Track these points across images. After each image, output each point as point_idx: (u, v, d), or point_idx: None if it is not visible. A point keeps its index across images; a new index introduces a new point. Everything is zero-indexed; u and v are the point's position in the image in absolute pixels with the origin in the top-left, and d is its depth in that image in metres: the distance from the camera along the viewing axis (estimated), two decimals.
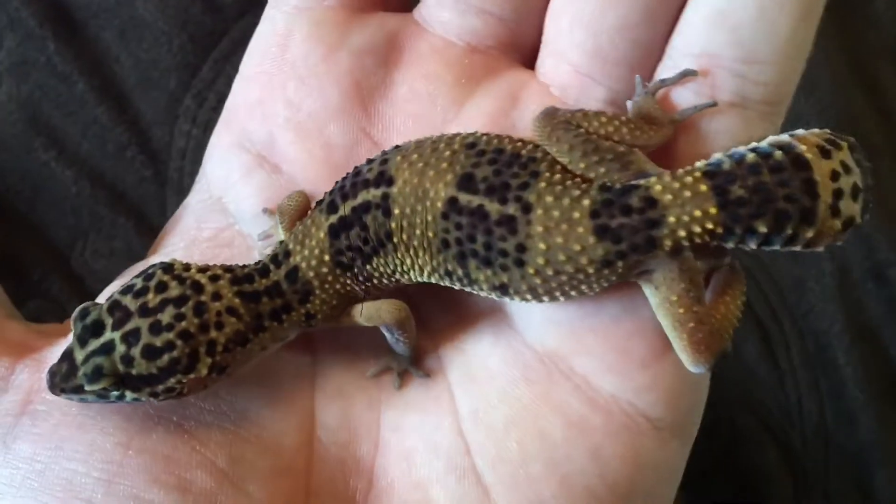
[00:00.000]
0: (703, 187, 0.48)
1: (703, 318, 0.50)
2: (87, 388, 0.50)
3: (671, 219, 0.48)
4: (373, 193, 0.53)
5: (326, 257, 0.54)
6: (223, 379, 0.53)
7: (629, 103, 0.55)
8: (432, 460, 0.54)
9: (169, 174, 0.82)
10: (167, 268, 0.53)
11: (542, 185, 0.50)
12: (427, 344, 0.58)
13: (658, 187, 0.49)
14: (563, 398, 0.53)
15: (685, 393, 0.54)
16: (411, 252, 0.53)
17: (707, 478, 0.87)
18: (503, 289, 0.52)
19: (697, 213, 0.48)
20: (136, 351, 0.50)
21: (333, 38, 0.60)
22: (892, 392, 0.87)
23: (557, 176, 0.51)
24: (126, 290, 0.52)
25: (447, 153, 0.52)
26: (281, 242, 0.57)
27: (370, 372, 0.58)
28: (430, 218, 0.52)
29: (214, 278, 0.53)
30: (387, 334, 0.56)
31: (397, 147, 0.55)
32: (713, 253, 0.52)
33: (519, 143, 0.53)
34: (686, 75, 0.53)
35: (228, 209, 0.62)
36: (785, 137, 0.50)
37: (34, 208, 0.80)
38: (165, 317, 0.51)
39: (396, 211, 0.52)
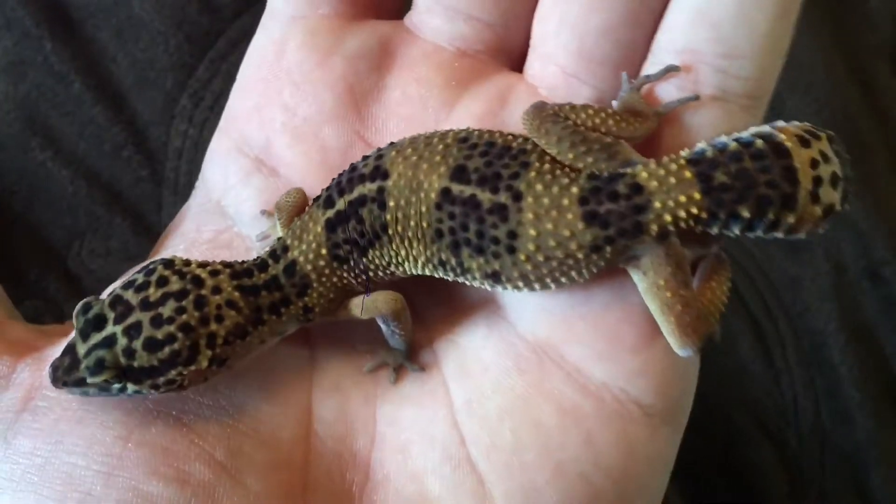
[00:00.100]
0: (688, 174, 0.50)
1: (690, 301, 0.51)
2: (89, 380, 0.51)
3: (657, 204, 0.50)
4: (368, 187, 0.54)
5: (323, 251, 0.55)
6: (222, 372, 0.53)
7: (614, 103, 0.56)
8: (427, 452, 0.54)
9: (165, 174, 0.82)
10: (168, 263, 0.54)
11: (532, 174, 0.52)
12: (421, 338, 0.59)
13: (644, 174, 0.51)
14: (556, 387, 0.54)
15: (675, 380, 0.55)
16: (406, 243, 0.54)
17: (703, 477, 0.87)
18: (495, 277, 0.53)
19: (682, 198, 0.50)
20: (137, 343, 0.51)
21: (327, 45, 0.62)
22: (887, 391, 0.88)
23: (547, 166, 0.52)
24: (127, 285, 0.53)
25: (440, 147, 0.54)
26: (279, 238, 0.58)
27: (366, 367, 0.58)
28: (423, 209, 0.53)
29: (214, 273, 0.54)
30: (383, 326, 0.57)
31: (392, 143, 0.56)
32: (699, 240, 0.54)
33: (509, 137, 0.55)
34: (669, 71, 0.54)
35: (227, 212, 0.63)
36: (766, 128, 0.51)
37: (31, 208, 0.80)
38: (166, 310, 0.51)
39: (391, 203, 0.54)
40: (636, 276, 0.53)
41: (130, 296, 0.52)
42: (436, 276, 0.56)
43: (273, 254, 0.56)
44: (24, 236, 0.79)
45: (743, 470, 0.87)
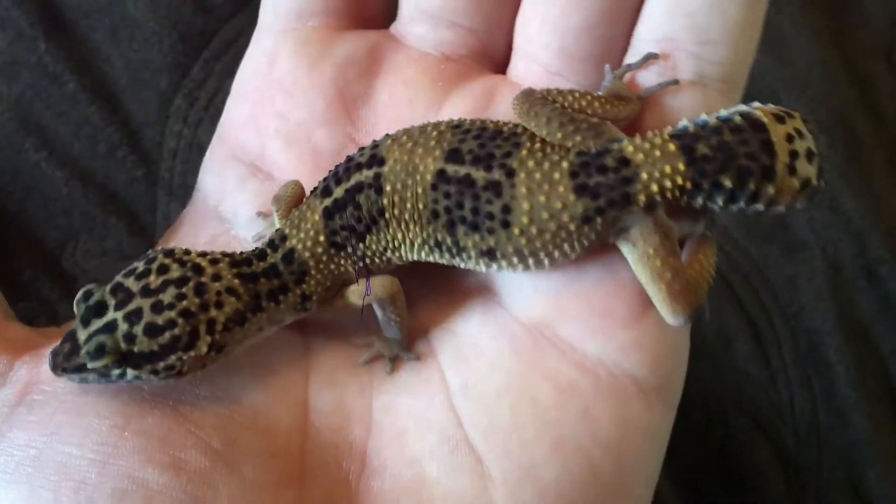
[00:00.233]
0: (672, 147, 0.53)
1: (679, 270, 0.54)
2: (89, 365, 0.51)
3: (644, 175, 0.52)
4: (365, 174, 0.56)
5: (321, 238, 0.57)
6: (220, 359, 0.54)
7: (598, 93, 0.59)
8: (424, 436, 0.55)
9: (160, 174, 0.82)
10: (168, 252, 0.55)
11: (524, 152, 0.54)
12: (417, 328, 0.60)
13: (630, 148, 0.53)
14: (552, 364, 0.55)
15: (667, 355, 0.56)
16: (402, 226, 0.56)
17: (700, 477, 0.87)
18: (490, 254, 0.54)
19: (668, 169, 0.52)
20: (138, 329, 0.51)
21: (317, 53, 0.64)
22: (884, 390, 0.88)
23: (538, 145, 0.55)
24: (128, 272, 0.54)
25: (434, 133, 0.56)
26: (276, 229, 0.59)
27: (362, 359, 0.59)
28: (420, 190, 0.55)
29: (214, 262, 0.55)
30: (379, 313, 0.58)
31: (387, 135, 0.58)
32: (685, 215, 0.56)
33: (500, 123, 0.57)
34: (649, 58, 0.57)
35: (224, 216, 0.64)
36: (742, 107, 0.54)
37: (25, 209, 0.80)
38: (167, 297, 0.52)
39: (388, 188, 0.55)
40: (626, 249, 0.54)
41: (131, 283, 0.53)
42: (431, 259, 0.58)
43: (271, 243, 0.58)
44: (19, 237, 0.79)
45: (740, 469, 0.87)
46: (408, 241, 0.57)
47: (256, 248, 0.58)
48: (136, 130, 0.82)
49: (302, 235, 0.57)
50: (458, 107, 0.61)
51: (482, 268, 0.56)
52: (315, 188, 0.59)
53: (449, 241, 0.55)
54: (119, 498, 0.49)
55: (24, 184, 0.80)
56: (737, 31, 0.56)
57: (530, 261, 0.54)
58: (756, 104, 0.55)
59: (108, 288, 0.54)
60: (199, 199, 0.67)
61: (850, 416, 0.85)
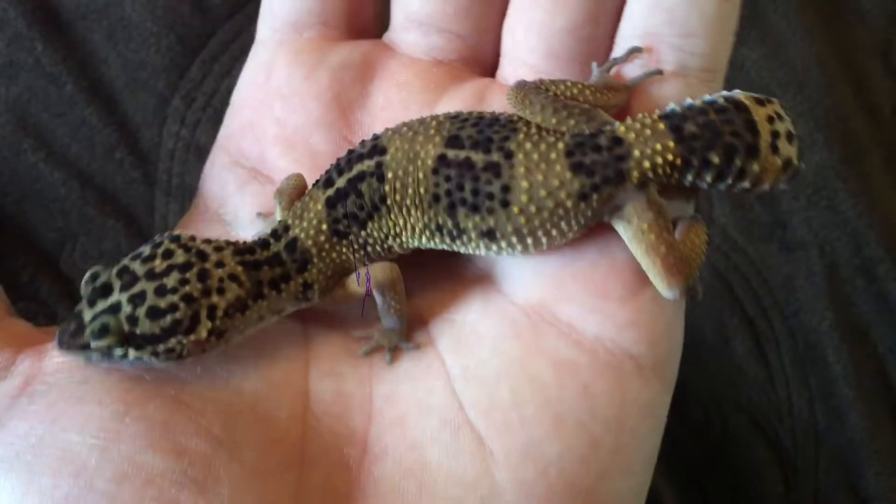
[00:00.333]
0: (661, 126, 0.55)
1: (673, 244, 0.56)
2: (93, 345, 0.52)
3: (636, 153, 0.55)
4: (367, 164, 0.58)
5: (324, 226, 0.58)
6: (220, 345, 0.55)
7: None
8: (425, 421, 0.55)
9: (158, 175, 0.82)
10: (174, 238, 0.56)
11: (521, 136, 0.56)
12: (416, 319, 0.60)
13: (622, 129, 0.56)
14: (551, 344, 0.56)
15: (663, 332, 0.57)
16: (404, 211, 0.57)
17: (698, 477, 0.87)
18: (490, 235, 0.56)
19: (658, 146, 0.55)
20: (141, 311, 0.52)
21: (313, 61, 0.66)
22: (881, 389, 0.88)
23: (534, 129, 0.57)
24: (135, 256, 0.55)
25: (434, 123, 0.58)
26: (279, 221, 0.60)
27: (362, 350, 0.59)
28: (421, 175, 0.56)
29: (218, 248, 0.56)
30: (379, 300, 0.58)
31: (387, 128, 0.59)
32: (676, 197, 0.58)
33: (496, 112, 0.59)
34: (633, 52, 0.60)
35: (225, 219, 0.65)
36: (725, 92, 0.58)
37: (23, 210, 0.80)
38: (170, 281, 0.53)
39: (389, 175, 0.57)
40: (621, 227, 0.56)
41: (137, 266, 0.54)
42: (432, 245, 0.59)
43: (274, 233, 0.59)
44: (17, 238, 0.79)
45: (738, 468, 0.87)
46: (409, 227, 0.58)
47: (260, 237, 0.59)
48: (133, 131, 0.82)
49: (305, 224, 0.58)
50: (451, 108, 0.62)
51: (482, 250, 0.57)
52: (317, 180, 0.60)
53: (450, 223, 0.56)
54: (119, 481, 0.49)
55: (21, 185, 0.80)
56: (714, 23, 0.59)
57: (529, 240, 0.56)
58: (738, 91, 0.57)
59: (114, 270, 0.55)
60: (199, 204, 0.67)
61: (848, 415, 0.85)
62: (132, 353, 0.53)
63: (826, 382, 0.87)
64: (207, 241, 0.57)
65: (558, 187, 0.54)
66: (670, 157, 0.55)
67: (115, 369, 0.54)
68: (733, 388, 0.87)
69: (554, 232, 0.56)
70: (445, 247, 0.59)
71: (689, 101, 0.57)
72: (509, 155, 0.55)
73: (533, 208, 0.55)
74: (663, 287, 0.55)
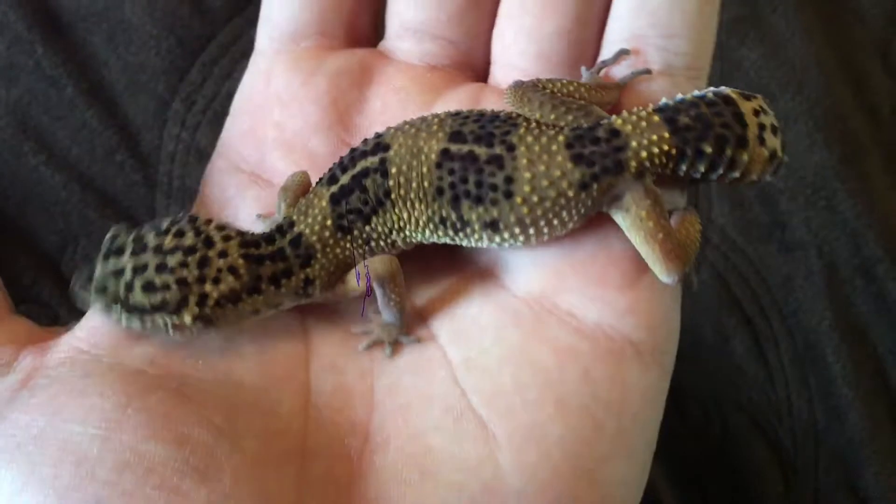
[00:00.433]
0: (656, 118, 0.57)
1: (670, 231, 0.57)
2: (92, 299, 0.56)
3: (633, 143, 0.57)
4: (371, 160, 0.59)
5: (328, 222, 0.59)
6: (209, 331, 0.56)
7: None
8: (427, 410, 0.55)
9: (158, 178, 0.82)
10: (192, 219, 0.58)
11: (522, 130, 0.58)
12: (417, 315, 0.61)
13: (619, 121, 0.58)
14: (552, 332, 0.56)
15: (661, 319, 0.58)
16: (408, 205, 0.58)
17: (698, 476, 0.87)
18: (493, 226, 0.57)
19: (654, 137, 0.57)
20: (138, 282, 0.55)
21: (311, 68, 0.67)
22: (880, 389, 0.88)
23: (533, 124, 0.58)
24: (152, 227, 0.58)
25: (436, 120, 0.59)
26: (284, 217, 0.61)
27: (362, 345, 0.59)
28: (425, 170, 0.58)
29: (226, 238, 0.57)
30: (378, 292, 0.59)
31: (389, 127, 0.60)
32: (670, 189, 0.60)
33: (495, 110, 0.60)
34: (621, 54, 0.62)
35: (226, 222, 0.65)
36: (713, 88, 0.60)
37: (24, 213, 0.80)
38: (172, 260, 0.55)
39: (393, 170, 0.58)
40: (620, 216, 0.58)
41: (150, 238, 0.56)
42: (435, 238, 0.59)
43: (279, 229, 0.60)
44: (18, 241, 0.80)
45: (738, 468, 0.87)
46: (413, 220, 0.59)
47: (266, 231, 0.60)
48: (134, 134, 0.82)
49: (310, 221, 0.59)
50: (448, 109, 0.62)
51: (485, 242, 0.58)
52: (321, 178, 0.60)
53: (454, 216, 0.57)
54: (121, 470, 0.49)
55: (22, 188, 0.80)
56: (696, 25, 0.61)
57: (531, 230, 0.57)
58: (724, 87, 0.60)
59: (132, 235, 0.57)
60: (199, 207, 0.67)
61: (847, 415, 0.86)
62: (124, 316, 0.55)
63: (825, 382, 0.87)
64: (220, 228, 0.58)
65: (560, 177, 0.56)
66: (666, 146, 0.57)
67: (116, 364, 0.54)
68: (733, 388, 0.88)
69: (555, 221, 0.57)
70: (448, 240, 0.59)
71: (679, 96, 0.59)
72: (511, 148, 0.57)
73: (535, 198, 0.56)
74: (662, 272, 0.57)
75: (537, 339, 0.56)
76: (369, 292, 0.59)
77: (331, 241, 0.59)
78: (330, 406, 0.57)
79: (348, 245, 0.59)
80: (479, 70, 0.68)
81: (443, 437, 0.54)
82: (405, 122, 0.60)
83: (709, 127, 0.57)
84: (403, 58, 0.68)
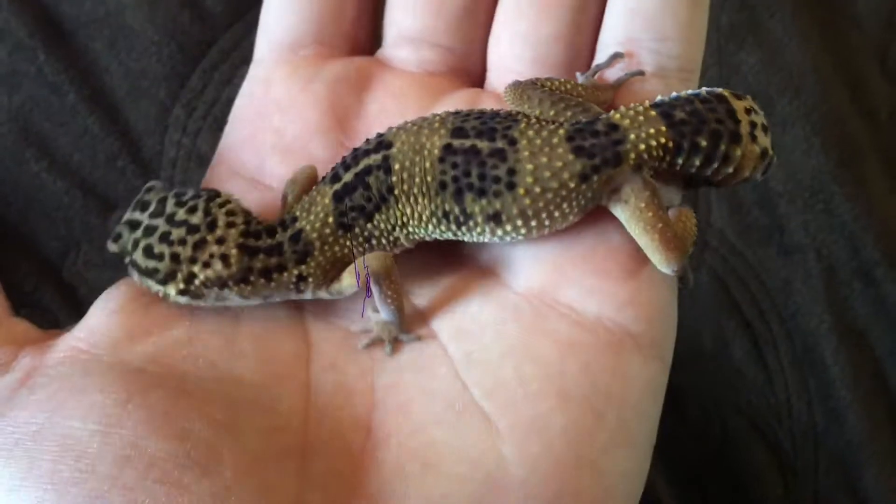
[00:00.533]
0: (653, 113, 0.59)
1: (668, 221, 0.58)
2: (108, 244, 0.60)
3: (632, 136, 0.58)
4: (373, 158, 0.59)
5: (330, 219, 0.59)
6: (194, 305, 0.59)
7: None
8: (429, 404, 0.56)
9: None
10: (211, 196, 0.60)
11: (523, 125, 0.59)
12: (416, 314, 0.61)
13: (617, 116, 0.59)
14: (552, 326, 0.57)
15: (660, 312, 0.59)
16: (411, 200, 0.59)
17: (698, 479, 0.87)
18: (496, 218, 0.58)
19: (652, 130, 0.58)
20: (142, 243, 0.58)
21: (309, 74, 0.68)
22: (879, 392, 0.88)
23: (534, 119, 0.60)
24: (177, 193, 0.60)
25: (437, 118, 0.60)
26: (288, 212, 0.61)
27: (361, 344, 0.60)
28: (428, 165, 0.58)
29: (230, 224, 0.59)
30: (374, 289, 0.59)
31: (391, 126, 0.61)
32: (666, 184, 0.61)
33: (495, 109, 0.61)
34: (615, 57, 0.64)
35: None
36: (706, 88, 0.61)
37: (26, 219, 0.80)
38: (174, 234, 0.58)
39: (396, 167, 0.58)
40: (619, 208, 0.58)
41: (170, 204, 0.59)
42: (437, 233, 0.60)
43: (282, 223, 0.60)
44: (20, 247, 0.80)
45: (737, 470, 0.87)
46: (416, 215, 0.59)
47: (271, 223, 0.61)
48: (135, 140, 0.83)
49: (312, 217, 0.59)
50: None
51: (487, 235, 0.59)
52: (324, 177, 0.61)
53: (457, 209, 0.58)
54: (122, 465, 0.49)
55: (24, 194, 0.80)
56: (688, 28, 0.63)
57: (533, 223, 0.57)
58: (716, 88, 0.62)
59: (159, 196, 0.60)
60: None
61: (847, 417, 0.86)
62: (130, 268, 0.59)
63: (824, 385, 0.87)
64: (230, 213, 0.59)
65: (562, 168, 0.57)
66: (663, 139, 0.58)
67: (116, 362, 0.55)
68: (732, 391, 0.88)
69: (556, 213, 0.58)
70: (451, 235, 0.60)
71: (674, 93, 0.60)
72: (513, 141, 0.57)
73: (538, 189, 0.57)
74: (661, 262, 0.58)
75: (538, 333, 0.57)
76: (368, 291, 0.59)
77: (330, 239, 0.59)
78: (331, 404, 0.57)
79: (347, 243, 0.60)
80: (475, 76, 0.69)
81: (445, 431, 0.54)
82: (407, 122, 0.60)
83: (704, 122, 0.58)
84: (401, 65, 0.69)
